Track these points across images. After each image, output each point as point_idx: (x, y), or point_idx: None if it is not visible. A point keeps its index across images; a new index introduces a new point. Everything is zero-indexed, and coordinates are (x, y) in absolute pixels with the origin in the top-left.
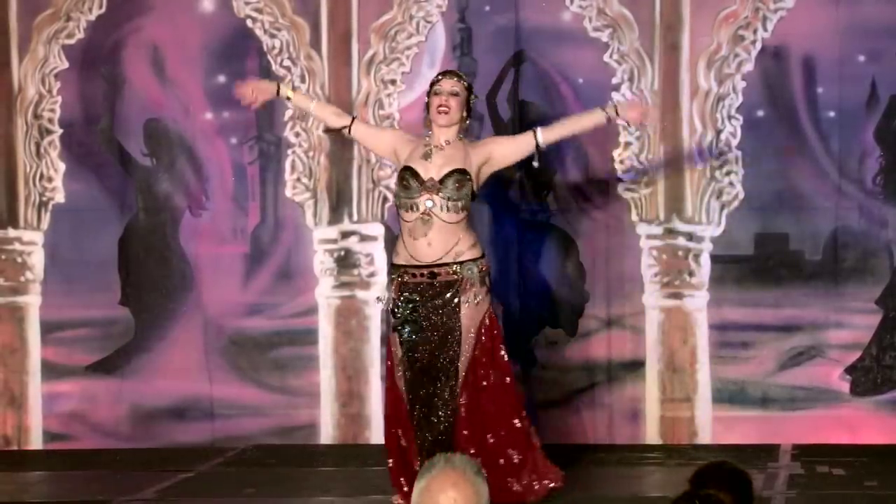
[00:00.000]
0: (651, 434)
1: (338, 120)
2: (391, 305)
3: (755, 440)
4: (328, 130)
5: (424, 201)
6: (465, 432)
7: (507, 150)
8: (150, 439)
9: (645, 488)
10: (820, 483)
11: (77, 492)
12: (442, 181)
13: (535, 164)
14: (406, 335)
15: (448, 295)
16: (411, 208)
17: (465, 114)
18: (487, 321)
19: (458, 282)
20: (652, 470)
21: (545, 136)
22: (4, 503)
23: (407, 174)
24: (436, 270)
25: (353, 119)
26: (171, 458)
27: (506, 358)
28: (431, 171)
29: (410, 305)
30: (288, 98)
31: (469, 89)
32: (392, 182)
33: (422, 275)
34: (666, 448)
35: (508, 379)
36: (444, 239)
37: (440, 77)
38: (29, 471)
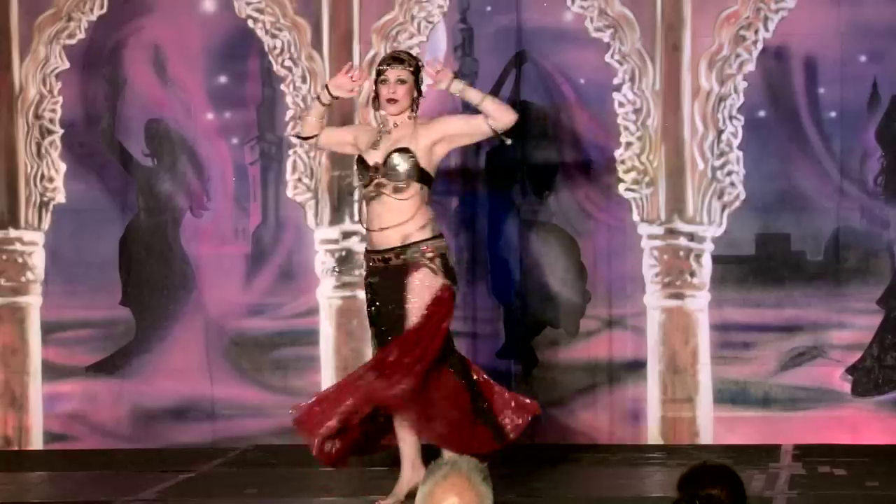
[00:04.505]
0: (652, 434)
1: (318, 125)
2: (365, 287)
3: (756, 440)
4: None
5: (373, 187)
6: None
7: (461, 130)
8: (151, 440)
9: (646, 489)
10: (821, 483)
11: (78, 492)
12: (385, 162)
13: (508, 142)
14: (372, 315)
15: (398, 278)
16: (366, 196)
17: (416, 94)
18: (435, 297)
19: (405, 266)
20: (653, 470)
21: (493, 123)
22: (5, 503)
23: (358, 165)
24: (387, 255)
25: (322, 128)
26: (172, 458)
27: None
28: (377, 156)
29: (371, 288)
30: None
31: (416, 71)
32: None
33: (379, 260)
34: (667, 448)
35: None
36: (394, 221)
37: (385, 66)
38: (30, 471)
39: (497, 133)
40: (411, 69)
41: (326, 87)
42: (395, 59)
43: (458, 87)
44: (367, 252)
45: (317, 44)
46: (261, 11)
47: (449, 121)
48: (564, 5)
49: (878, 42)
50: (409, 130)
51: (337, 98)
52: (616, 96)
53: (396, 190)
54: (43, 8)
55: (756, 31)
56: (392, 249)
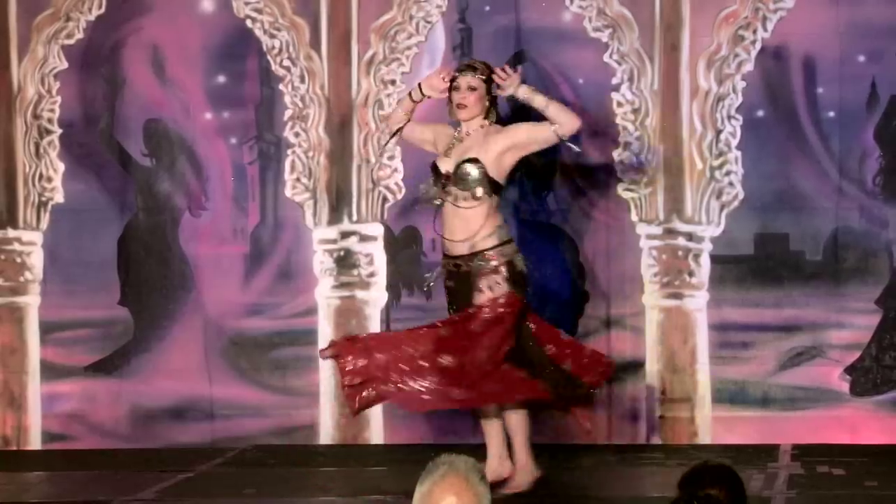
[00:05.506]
0: (651, 434)
1: (404, 118)
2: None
3: (755, 440)
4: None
5: (444, 195)
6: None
7: (528, 138)
8: (150, 439)
9: (645, 488)
10: (820, 483)
11: (77, 492)
12: (455, 171)
13: (577, 149)
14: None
15: (468, 285)
16: (439, 202)
17: (487, 103)
18: (498, 304)
19: (472, 274)
20: (652, 470)
21: (559, 129)
22: (4, 503)
23: (432, 171)
24: (457, 262)
25: (408, 121)
26: (171, 458)
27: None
28: (448, 164)
29: (449, 292)
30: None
31: (488, 80)
32: (391, 182)
33: (452, 266)
34: (666, 448)
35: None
36: (463, 230)
37: (458, 74)
38: (28, 471)
39: (562, 139)
40: (483, 77)
41: (420, 85)
42: (469, 66)
43: (524, 92)
44: (443, 256)
45: (315, 43)
46: (259, 11)
47: (517, 129)
48: (563, 5)
49: (876, 42)
50: (479, 139)
51: (428, 97)
52: (615, 96)
53: (464, 199)
54: (41, 8)
55: (755, 31)
56: (461, 257)
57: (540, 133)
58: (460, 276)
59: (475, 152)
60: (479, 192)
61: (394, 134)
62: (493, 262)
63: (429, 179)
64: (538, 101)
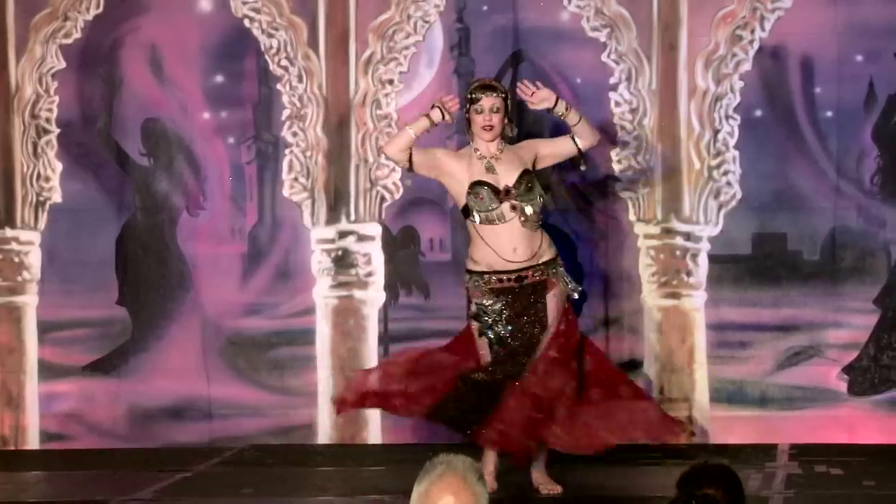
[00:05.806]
0: None
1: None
2: (477, 311)
3: (753, 440)
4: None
5: (507, 209)
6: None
7: (551, 152)
8: (148, 439)
9: (643, 488)
10: (818, 483)
11: (74, 492)
12: (516, 186)
13: (583, 167)
14: (494, 338)
15: (535, 295)
16: (493, 219)
17: (506, 120)
18: (567, 308)
19: (544, 282)
20: (650, 470)
21: (581, 143)
22: (2, 503)
23: (479, 188)
24: (523, 274)
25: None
26: (169, 457)
27: (577, 336)
28: (502, 179)
29: (498, 308)
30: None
31: (506, 97)
32: (389, 182)
33: (509, 280)
34: (664, 448)
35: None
36: (527, 243)
37: (479, 95)
38: (26, 471)
39: (581, 153)
40: (503, 97)
41: (440, 108)
42: (489, 87)
43: (562, 107)
44: (489, 273)
45: (313, 43)
46: (257, 11)
47: (539, 143)
48: (561, 5)
49: (874, 41)
50: (514, 154)
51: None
52: (612, 96)
53: (529, 211)
54: (39, 7)
55: (752, 31)
56: (529, 268)
57: (562, 147)
58: (524, 288)
59: (521, 165)
60: (541, 203)
61: (410, 161)
62: (561, 269)
63: (480, 202)
64: (573, 116)
